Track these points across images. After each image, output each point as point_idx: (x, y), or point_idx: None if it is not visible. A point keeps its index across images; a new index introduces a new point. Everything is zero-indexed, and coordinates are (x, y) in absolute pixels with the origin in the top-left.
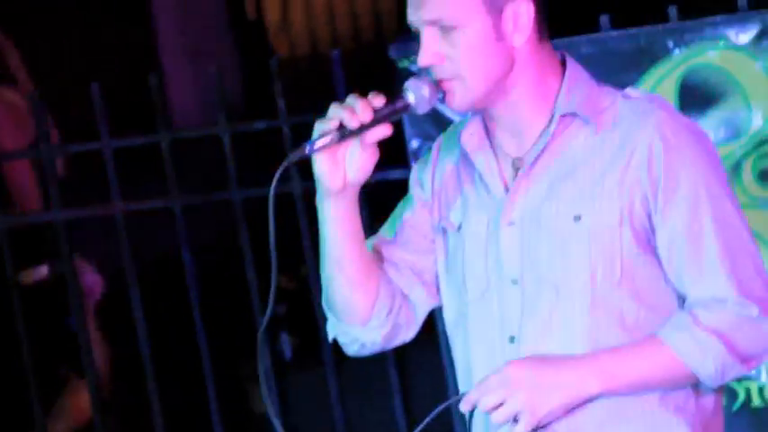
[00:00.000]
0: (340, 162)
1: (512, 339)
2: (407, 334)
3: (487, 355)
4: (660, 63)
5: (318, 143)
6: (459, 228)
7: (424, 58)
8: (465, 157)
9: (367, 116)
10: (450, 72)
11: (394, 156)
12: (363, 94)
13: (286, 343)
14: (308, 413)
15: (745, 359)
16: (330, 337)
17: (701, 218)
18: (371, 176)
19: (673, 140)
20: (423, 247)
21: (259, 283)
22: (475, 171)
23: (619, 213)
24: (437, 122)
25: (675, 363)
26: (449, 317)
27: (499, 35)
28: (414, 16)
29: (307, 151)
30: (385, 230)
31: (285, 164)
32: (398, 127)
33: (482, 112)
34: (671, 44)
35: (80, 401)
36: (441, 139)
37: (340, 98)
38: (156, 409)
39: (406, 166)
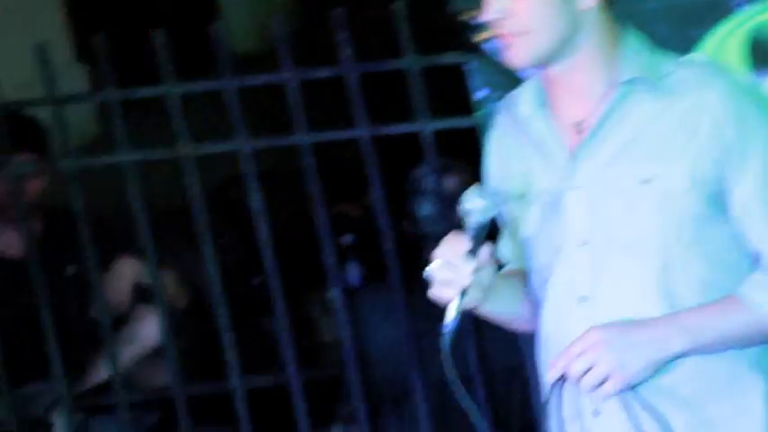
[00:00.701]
0: (475, 285)
1: (583, 299)
2: None
3: (557, 317)
4: (726, 20)
5: (450, 317)
6: (524, 194)
7: (490, 13)
8: (525, 124)
9: (471, 266)
10: (516, 27)
11: (460, 104)
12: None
13: (353, 272)
14: (379, 339)
15: None
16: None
17: None
18: (438, 125)
19: (743, 107)
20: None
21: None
22: (535, 137)
23: (689, 177)
24: (503, 71)
25: (756, 320)
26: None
27: None
28: None
29: (449, 331)
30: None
31: (447, 336)
32: (466, 76)
33: (541, 73)
34: (737, 0)
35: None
36: (497, 111)
37: (406, 51)
38: (227, 341)
39: (473, 114)
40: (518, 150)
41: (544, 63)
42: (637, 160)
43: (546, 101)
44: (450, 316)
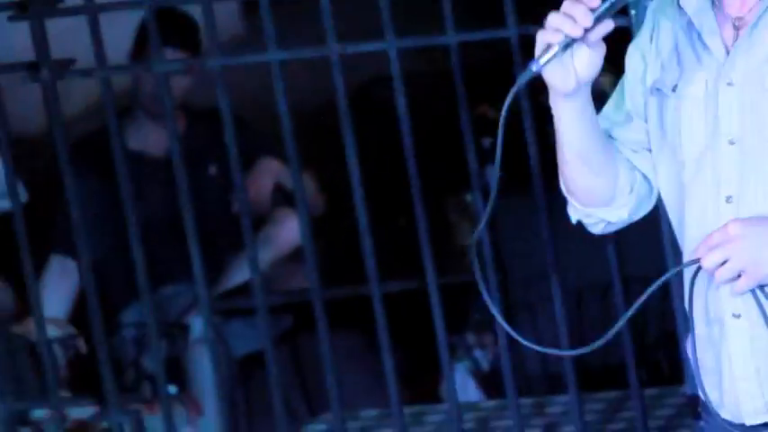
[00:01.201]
0: (569, 66)
1: (728, 199)
2: (650, 204)
3: (701, 216)
4: None
5: (544, 58)
6: (675, 88)
7: None
8: (683, 20)
9: (588, 21)
10: None
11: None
12: None
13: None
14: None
15: None
16: (574, 220)
17: None
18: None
19: None
20: (641, 116)
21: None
22: (693, 32)
23: None
24: None
25: None
26: (662, 179)
27: None
28: None
29: (535, 69)
30: (611, 109)
31: (515, 88)
32: None
33: None
34: None
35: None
36: (651, 6)
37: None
38: (366, 247)
39: (627, 14)
40: (671, 43)
41: None
42: None
43: None
44: (539, 56)
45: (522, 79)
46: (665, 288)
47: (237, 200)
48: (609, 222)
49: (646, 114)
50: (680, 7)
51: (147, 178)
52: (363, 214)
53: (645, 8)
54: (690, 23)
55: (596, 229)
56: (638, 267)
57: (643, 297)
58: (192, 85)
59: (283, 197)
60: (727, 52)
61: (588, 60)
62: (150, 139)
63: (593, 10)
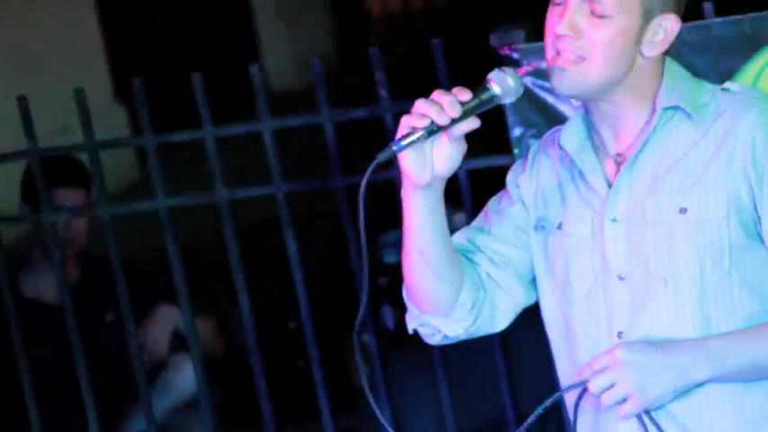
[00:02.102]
0: (427, 157)
1: (620, 335)
2: (493, 327)
3: (594, 352)
4: (765, 49)
5: (406, 141)
6: (560, 226)
7: (564, 28)
8: (565, 158)
9: (455, 112)
10: (579, 50)
11: (497, 143)
12: (458, 73)
13: (388, 315)
14: (411, 388)
15: None
16: (410, 329)
17: None
18: (474, 164)
19: None
20: (520, 242)
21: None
22: (575, 170)
23: (725, 204)
24: (540, 110)
25: None
26: (548, 315)
27: (638, 39)
28: None
29: (395, 149)
30: (480, 222)
31: (374, 164)
32: (502, 114)
33: (583, 108)
34: None
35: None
36: (536, 144)
37: (440, 86)
38: (260, 385)
39: (509, 153)
40: (553, 181)
41: (590, 96)
42: (674, 190)
43: (589, 135)
44: (401, 137)
45: (382, 157)
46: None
47: (130, 347)
48: (445, 336)
49: (518, 242)
50: (561, 146)
51: (44, 325)
52: (257, 359)
53: (527, 146)
54: (572, 162)
55: (433, 340)
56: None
57: (530, 418)
58: (87, 229)
59: (182, 343)
60: (610, 188)
61: (447, 155)
62: (46, 286)
63: (462, 103)
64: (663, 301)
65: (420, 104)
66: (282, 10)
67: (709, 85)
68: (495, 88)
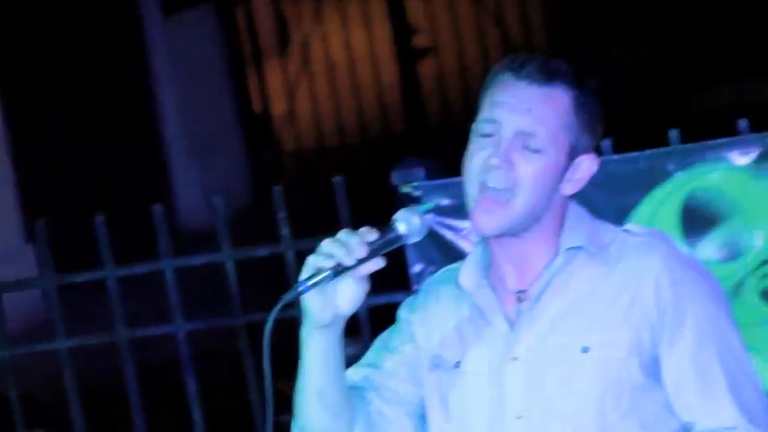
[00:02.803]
0: (330, 297)
1: None
2: None
3: None
4: (662, 186)
5: (313, 280)
6: (457, 365)
7: (495, 158)
8: (462, 297)
9: (362, 252)
10: (508, 183)
11: (396, 279)
12: (366, 214)
13: None
14: None
15: None
16: None
17: (707, 350)
18: (376, 300)
19: (679, 274)
20: (411, 378)
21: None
22: (473, 308)
23: (627, 344)
24: (440, 246)
25: None
26: None
27: (561, 177)
28: (506, 117)
29: (301, 290)
30: (370, 358)
31: (279, 305)
32: (401, 251)
33: (489, 243)
34: (672, 167)
35: None
36: (428, 281)
37: (344, 223)
38: None
39: (409, 289)
40: (451, 322)
41: (507, 233)
42: (577, 329)
43: (486, 273)
44: (306, 278)
45: (287, 298)
46: None
47: None
48: None
49: (410, 380)
50: (459, 285)
51: None
52: None
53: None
54: (470, 300)
55: None
56: None
57: None
58: None
59: None
60: (511, 327)
61: (351, 294)
62: None
63: (369, 243)
64: None
65: (327, 245)
66: (195, 147)
67: (610, 226)
68: (402, 228)
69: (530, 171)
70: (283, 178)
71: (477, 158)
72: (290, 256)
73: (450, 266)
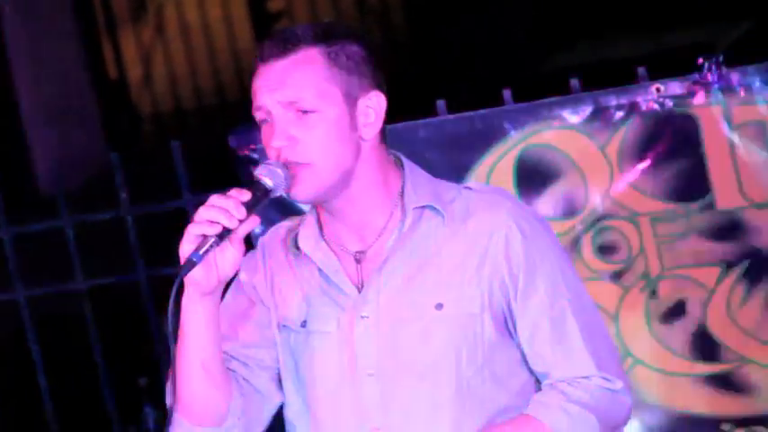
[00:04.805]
0: (212, 264)
1: (375, 430)
2: (258, 430)
3: None
4: (497, 144)
5: (203, 249)
6: (304, 324)
7: (277, 140)
8: (302, 258)
9: (242, 213)
10: (302, 156)
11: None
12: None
13: (150, 415)
14: None
15: (612, 430)
16: None
17: (560, 301)
18: None
19: (528, 229)
20: (266, 341)
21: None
22: (315, 269)
23: (479, 300)
24: (280, 208)
25: None
26: (293, 413)
27: (353, 125)
28: (267, 99)
29: (196, 260)
30: (224, 329)
31: (177, 281)
32: None
33: (320, 206)
34: (507, 126)
35: None
36: (263, 242)
37: (182, 187)
38: None
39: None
40: (291, 280)
41: (326, 197)
42: (430, 287)
43: (320, 234)
44: (197, 247)
45: (185, 272)
46: None
47: None
48: None
49: (266, 342)
50: (298, 247)
51: None
52: None
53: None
54: (310, 261)
55: None
56: None
57: None
58: None
59: None
60: (356, 286)
61: (232, 258)
62: None
63: (244, 203)
64: (418, 395)
65: (206, 212)
66: (51, 117)
67: (450, 184)
68: (269, 182)
69: (314, 135)
70: (141, 144)
71: (269, 146)
72: (129, 221)
73: (279, 225)
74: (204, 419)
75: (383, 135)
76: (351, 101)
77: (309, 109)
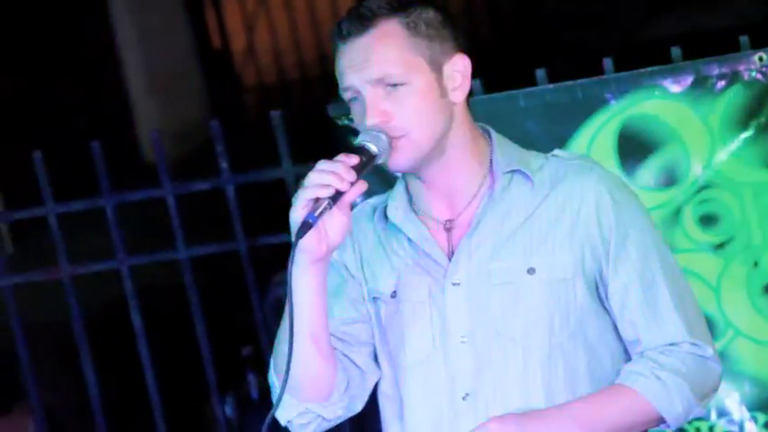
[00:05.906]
0: (321, 229)
1: (465, 397)
2: (359, 405)
3: (435, 418)
4: (597, 114)
5: (318, 211)
6: (394, 294)
7: (371, 118)
8: (390, 230)
9: (352, 176)
10: (399, 129)
11: None
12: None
13: (253, 383)
14: None
15: (702, 398)
16: (284, 421)
17: (651, 267)
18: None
19: (617, 195)
20: (361, 316)
21: (210, 333)
22: (404, 239)
23: (572, 265)
24: (380, 178)
25: (646, 407)
26: (384, 386)
27: (442, 91)
28: (355, 79)
29: (312, 223)
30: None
31: (295, 245)
32: None
33: (411, 177)
34: (607, 95)
35: None
36: (352, 216)
37: (282, 158)
38: None
39: None
40: (380, 252)
41: (423, 164)
42: (521, 252)
43: (411, 206)
44: (311, 210)
45: (300, 237)
46: None
47: None
48: (324, 419)
49: (362, 317)
50: (385, 217)
51: None
52: None
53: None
54: (398, 231)
55: (308, 429)
56: None
57: None
58: None
59: None
60: (446, 254)
61: (340, 223)
62: None
63: (353, 167)
64: (510, 360)
65: (316, 176)
66: (154, 84)
67: (535, 152)
68: (372, 147)
69: (407, 107)
70: (244, 114)
71: (361, 125)
72: (229, 191)
73: (368, 201)
74: (311, 394)
75: (468, 102)
76: (436, 67)
77: (398, 82)
